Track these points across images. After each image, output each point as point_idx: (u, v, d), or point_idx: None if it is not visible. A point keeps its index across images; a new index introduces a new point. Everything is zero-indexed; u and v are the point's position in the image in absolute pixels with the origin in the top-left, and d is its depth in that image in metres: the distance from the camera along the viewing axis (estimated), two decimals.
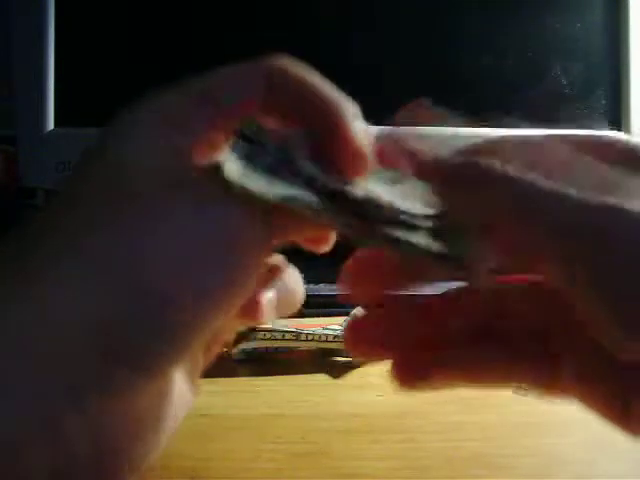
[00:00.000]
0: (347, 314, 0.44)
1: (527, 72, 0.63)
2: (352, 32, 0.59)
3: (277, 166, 0.19)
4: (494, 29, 0.60)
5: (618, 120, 0.59)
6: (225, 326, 0.23)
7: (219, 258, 0.16)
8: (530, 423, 0.32)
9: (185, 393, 0.21)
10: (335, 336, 0.41)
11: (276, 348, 0.41)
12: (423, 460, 0.28)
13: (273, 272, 0.22)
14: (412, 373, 0.20)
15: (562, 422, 0.32)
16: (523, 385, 0.20)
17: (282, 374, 0.38)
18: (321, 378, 0.38)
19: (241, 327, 0.24)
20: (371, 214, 0.18)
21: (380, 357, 0.21)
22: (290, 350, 0.41)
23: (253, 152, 0.19)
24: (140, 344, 0.15)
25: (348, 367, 0.40)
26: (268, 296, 0.21)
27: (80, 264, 0.15)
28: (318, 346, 0.41)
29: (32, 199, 0.75)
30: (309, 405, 0.34)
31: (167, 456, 0.27)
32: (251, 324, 0.22)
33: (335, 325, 0.42)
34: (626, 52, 0.58)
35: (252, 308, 0.21)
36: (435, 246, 0.18)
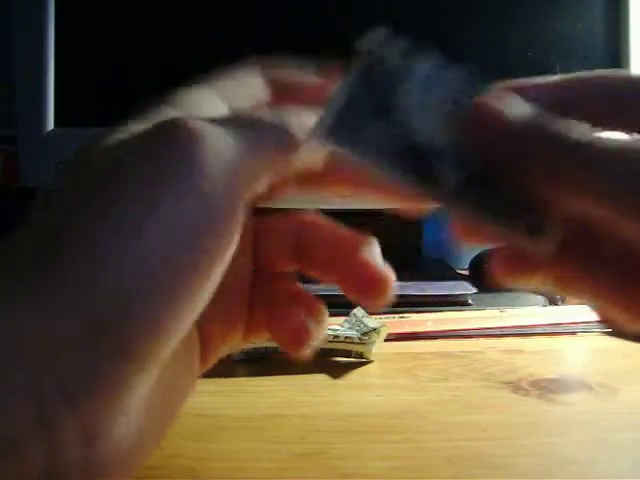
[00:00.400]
0: (347, 314, 0.44)
1: (527, 72, 0.63)
2: (352, 32, 0.59)
3: (375, 113, 0.20)
4: (494, 29, 0.60)
5: None
6: (225, 340, 0.23)
7: (191, 225, 0.16)
8: (530, 423, 0.32)
9: (179, 393, 0.21)
10: (335, 336, 0.41)
11: (276, 348, 0.41)
12: (423, 460, 0.28)
13: (316, 310, 0.23)
14: (513, 265, 0.21)
15: (562, 422, 0.32)
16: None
17: (282, 374, 0.38)
18: (321, 378, 0.38)
19: (241, 344, 0.24)
20: (445, 175, 0.19)
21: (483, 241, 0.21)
22: None
23: (361, 84, 0.20)
24: (124, 327, 0.15)
25: (348, 367, 0.40)
26: (314, 330, 0.22)
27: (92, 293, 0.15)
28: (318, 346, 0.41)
29: (32, 199, 0.75)
30: (309, 405, 0.34)
31: (167, 456, 0.27)
32: (292, 354, 0.23)
33: (335, 325, 0.42)
34: (626, 52, 0.58)
35: (298, 340, 0.22)
36: (503, 212, 0.19)
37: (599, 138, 0.18)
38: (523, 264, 0.21)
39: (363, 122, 0.20)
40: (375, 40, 0.20)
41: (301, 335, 0.22)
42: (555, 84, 0.20)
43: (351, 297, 0.22)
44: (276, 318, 0.23)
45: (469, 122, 0.19)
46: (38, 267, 0.15)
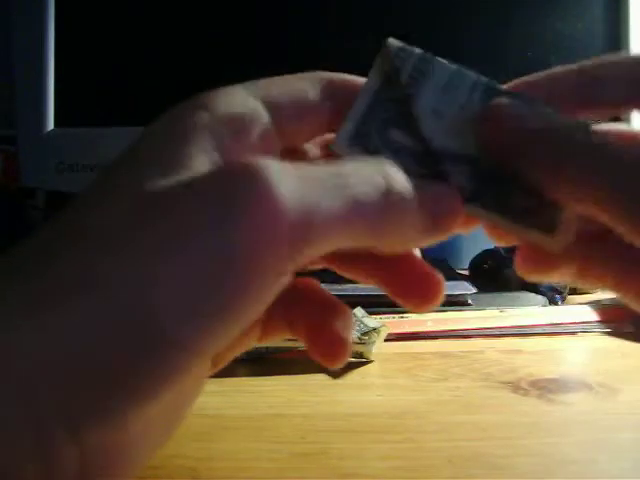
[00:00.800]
0: None
1: (527, 72, 0.63)
2: (352, 32, 0.59)
3: (394, 119, 0.20)
4: (494, 29, 0.60)
5: (618, 119, 0.59)
6: (241, 342, 0.23)
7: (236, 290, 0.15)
8: (530, 423, 0.32)
9: (186, 397, 0.20)
10: None
11: (276, 348, 0.41)
12: (423, 460, 0.28)
13: (344, 314, 0.22)
14: (536, 260, 0.21)
15: (562, 422, 0.32)
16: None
17: (282, 374, 0.38)
18: (321, 378, 0.38)
19: (255, 344, 0.24)
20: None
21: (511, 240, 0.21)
22: (290, 350, 0.41)
23: (380, 97, 0.20)
24: (143, 376, 0.15)
25: (348, 367, 0.40)
26: (349, 339, 0.21)
27: (95, 297, 0.14)
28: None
29: (32, 199, 0.75)
30: (309, 405, 0.34)
31: (168, 456, 0.27)
32: (327, 365, 0.22)
33: None
34: (626, 52, 0.58)
35: (336, 354, 0.21)
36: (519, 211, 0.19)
37: (603, 140, 0.18)
38: (546, 259, 0.21)
39: (382, 129, 0.20)
40: (394, 47, 0.21)
41: (338, 348, 0.21)
42: (572, 71, 0.21)
43: (398, 299, 0.21)
44: (303, 326, 0.22)
45: (481, 124, 0.20)
46: (54, 298, 0.15)
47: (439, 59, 0.21)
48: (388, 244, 0.18)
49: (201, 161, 0.17)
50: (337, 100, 0.21)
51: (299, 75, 0.21)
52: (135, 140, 0.18)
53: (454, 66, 0.21)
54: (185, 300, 0.15)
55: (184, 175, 0.17)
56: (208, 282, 0.15)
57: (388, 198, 0.17)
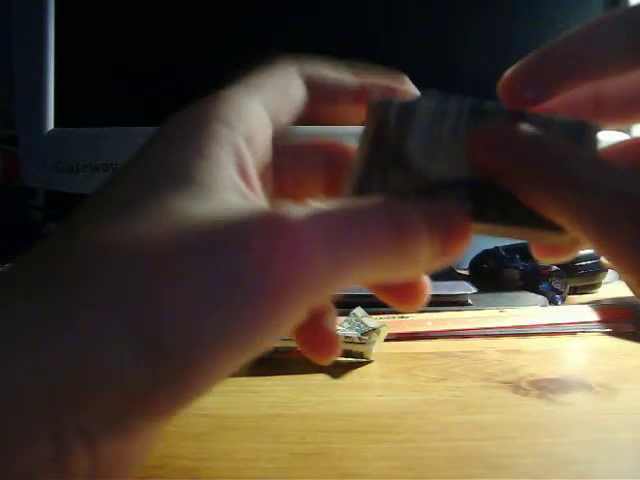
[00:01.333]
0: (347, 314, 0.44)
1: None
2: (351, 32, 0.59)
3: (391, 163, 0.21)
4: (494, 29, 0.60)
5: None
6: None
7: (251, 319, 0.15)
8: (530, 423, 0.32)
9: None
10: None
11: (276, 348, 0.41)
12: (423, 460, 0.28)
13: (331, 312, 0.23)
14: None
15: (562, 422, 0.32)
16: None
17: (282, 374, 0.38)
18: (321, 378, 0.38)
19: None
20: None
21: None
22: (290, 350, 0.41)
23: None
24: (159, 399, 0.15)
25: (348, 367, 0.40)
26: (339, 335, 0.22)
27: (110, 321, 0.14)
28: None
29: (32, 199, 0.75)
30: (309, 405, 0.34)
31: (167, 456, 0.27)
32: (320, 362, 0.23)
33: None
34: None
35: (328, 351, 0.22)
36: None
37: (578, 161, 0.18)
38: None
39: (381, 179, 0.20)
40: (374, 104, 0.21)
41: (330, 345, 0.22)
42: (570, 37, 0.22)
43: (387, 300, 0.22)
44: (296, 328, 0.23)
45: (468, 149, 0.20)
46: (74, 320, 0.14)
47: (418, 102, 0.21)
48: (403, 274, 0.19)
49: (219, 180, 0.17)
50: (334, 167, 0.22)
51: (283, 74, 0.22)
52: (145, 144, 0.18)
53: (435, 98, 0.21)
54: (188, 321, 0.15)
55: (202, 192, 0.16)
56: (216, 305, 0.15)
57: (401, 236, 0.18)
